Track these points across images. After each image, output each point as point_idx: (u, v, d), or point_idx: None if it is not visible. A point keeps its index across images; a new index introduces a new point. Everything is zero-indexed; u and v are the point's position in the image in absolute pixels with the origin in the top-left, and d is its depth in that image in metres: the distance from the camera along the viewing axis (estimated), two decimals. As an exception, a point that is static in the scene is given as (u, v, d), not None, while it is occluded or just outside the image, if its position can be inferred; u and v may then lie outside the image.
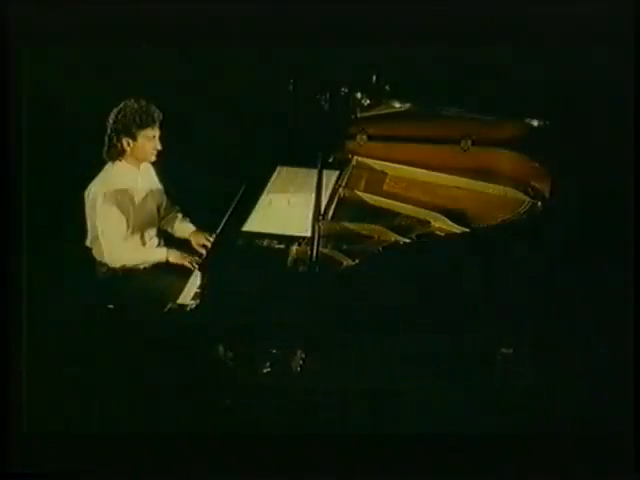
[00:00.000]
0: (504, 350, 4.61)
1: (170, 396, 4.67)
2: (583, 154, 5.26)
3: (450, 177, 5.12)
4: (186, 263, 5.07)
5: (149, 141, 5.04)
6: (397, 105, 5.18)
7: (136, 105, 4.99)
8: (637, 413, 4.54)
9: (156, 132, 5.04)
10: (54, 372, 4.81)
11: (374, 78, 5.20)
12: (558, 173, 4.81)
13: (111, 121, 5.01)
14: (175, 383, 4.58)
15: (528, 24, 4.74)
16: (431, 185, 5.15)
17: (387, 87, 5.19)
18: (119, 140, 5.02)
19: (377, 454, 4.45)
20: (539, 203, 4.83)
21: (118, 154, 5.05)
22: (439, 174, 5.15)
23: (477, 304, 4.51)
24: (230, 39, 4.57)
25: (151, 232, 5.22)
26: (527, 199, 4.88)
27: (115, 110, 4.99)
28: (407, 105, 5.20)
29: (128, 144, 5.03)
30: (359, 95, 5.16)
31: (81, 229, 5.13)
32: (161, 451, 4.63)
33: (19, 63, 4.65)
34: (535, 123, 5.02)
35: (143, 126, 4.99)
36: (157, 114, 5.01)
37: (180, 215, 5.38)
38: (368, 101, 5.19)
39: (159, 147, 5.08)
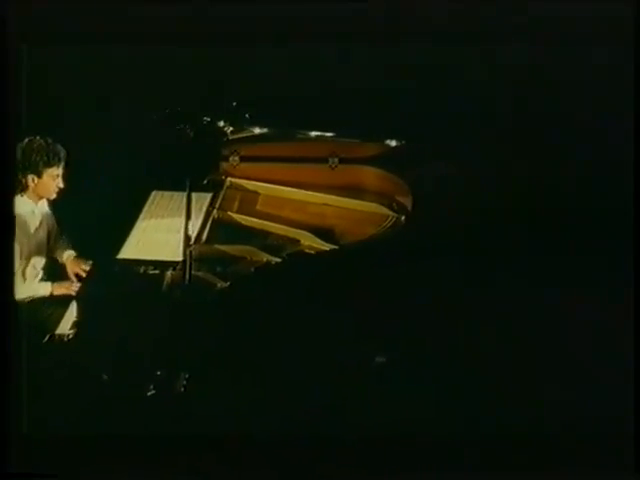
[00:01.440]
0: (378, 359, 4.68)
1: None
2: (583, 155, 5.28)
3: (319, 195, 5.26)
4: (72, 292, 5.08)
5: (53, 179, 5.06)
6: (257, 131, 5.30)
7: (43, 143, 4.99)
8: (637, 413, 4.55)
9: (60, 171, 5.07)
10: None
11: (234, 104, 5.33)
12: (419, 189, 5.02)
13: (18, 156, 4.97)
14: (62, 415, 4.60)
15: (527, 24, 4.75)
16: (302, 203, 5.27)
17: (247, 115, 5.30)
18: (24, 176, 5.01)
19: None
20: (403, 217, 4.99)
21: (21, 189, 5.04)
22: (309, 192, 5.28)
23: (348, 318, 4.62)
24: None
25: (40, 262, 5.20)
26: (391, 214, 5.03)
27: (21, 146, 4.97)
28: (266, 130, 5.33)
29: (33, 180, 5.03)
30: (222, 123, 5.26)
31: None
32: (160, 452, 4.63)
33: (19, 63, 4.65)
34: (393, 143, 5.19)
35: (49, 164, 5.01)
36: (63, 153, 5.04)
37: (66, 243, 5.39)
38: (231, 128, 5.29)
39: (61, 185, 5.09)
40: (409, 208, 5.02)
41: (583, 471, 4.55)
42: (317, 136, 5.28)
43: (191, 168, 4.86)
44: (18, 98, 4.69)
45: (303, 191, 5.26)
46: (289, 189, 5.30)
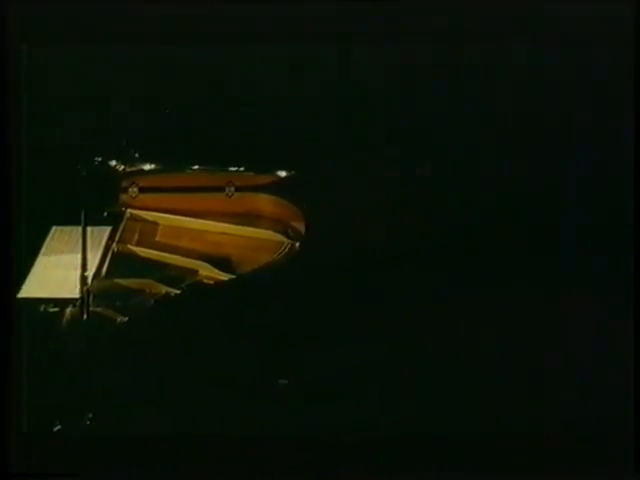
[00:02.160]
0: (281, 381, 4.73)
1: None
2: (581, 155, 5.28)
3: (217, 224, 5.33)
4: None
5: None
6: (147, 167, 5.35)
7: None
8: (637, 413, 4.54)
9: None
10: None
11: (124, 142, 5.39)
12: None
13: None
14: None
15: (527, 24, 4.75)
16: (200, 232, 5.33)
17: (136, 154, 5.37)
18: None
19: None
20: (297, 243, 5.08)
21: None
22: (207, 221, 5.34)
23: (248, 344, 4.71)
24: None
25: None
26: (286, 240, 5.12)
27: None
28: (154, 166, 5.39)
29: None
30: (113, 163, 5.33)
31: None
32: (160, 452, 4.63)
33: (19, 63, 4.65)
34: (283, 174, 5.30)
35: None
36: None
37: None
38: (122, 167, 5.35)
39: None
40: (303, 233, 5.14)
41: (583, 471, 4.55)
42: (211, 169, 5.39)
43: (88, 202, 4.92)
44: (18, 98, 4.69)
45: (201, 220, 5.32)
46: (187, 219, 5.35)
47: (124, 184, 5.40)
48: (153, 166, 5.34)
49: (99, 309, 4.74)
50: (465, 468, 4.59)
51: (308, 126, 5.35)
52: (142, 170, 5.39)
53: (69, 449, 4.61)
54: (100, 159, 5.25)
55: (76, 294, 4.79)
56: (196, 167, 5.35)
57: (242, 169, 5.32)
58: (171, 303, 4.84)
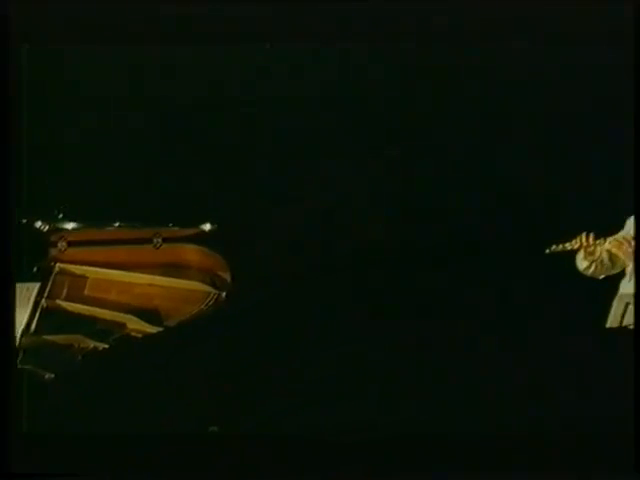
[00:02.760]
0: (212, 428, 4.75)
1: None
2: (583, 154, 5.29)
3: (145, 276, 5.31)
4: None
5: None
6: (70, 227, 5.35)
7: None
8: (637, 413, 4.55)
9: None
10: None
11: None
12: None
13: None
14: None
15: (527, 24, 4.75)
16: (128, 285, 5.30)
17: (60, 215, 5.36)
18: None
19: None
20: (224, 293, 5.10)
21: None
22: (134, 274, 5.31)
23: (178, 396, 4.74)
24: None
25: None
26: (213, 290, 5.13)
27: None
28: (75, 224, 5.39)
29: None
30: (39, 224, 5.31)
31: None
32: (160, 452, 4.64)
33: (19, 63, 4.65)
34: (207, 227, 5.32)
35: None
36: None
37: None
38: (47, 227, 5.34)
39: None
40: (229, 283, 5.18)
41: (583, 471, 4.55)
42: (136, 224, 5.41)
43: (17, 259, 4.90)
44: (18, 98, 4.69)
45: (129, 273, 5.31)
46: (115, 271, 5.32)
47: (53, 238, 5.38)
48: (75, 225, 5.32)
49: (27, 366, 4.74)
50: (464, 468, 4.59)
51: (229, 179, 5.49)
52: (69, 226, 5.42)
53: (69, 449, 4.61)
54: (25, 221, 5.24)
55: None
56: (120, 224, 5.35)
57: (169, 224, 5.34)
58: (99, 358, 4.88)
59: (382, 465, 4.61)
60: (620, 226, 4.79)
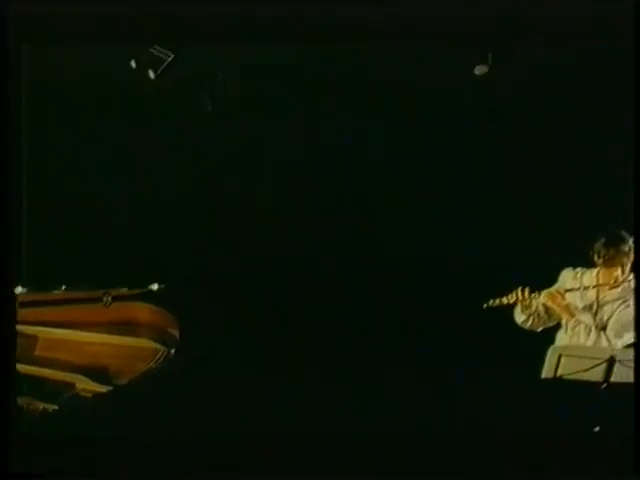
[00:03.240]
0: None
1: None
2: (583, 154, 5.29)
3: (94, 335, 5.30)
4: None
5: None
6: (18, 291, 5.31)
7: None
8: (637, 413, 4.54)
9: None
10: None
11: None
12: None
13: None
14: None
15: (528, 24, 4.75)
16: (78, 344, 5.29)
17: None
18: None
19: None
20: (172, 350, 5.11)
21: None
22: (85, 333, 5.30)
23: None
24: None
25: None
26: (162, 348, 5.13)
27: None
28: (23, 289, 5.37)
29: None
30: None
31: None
32: (159, 452, 4.64)
33: (19, 63, 4.65)
34: (155, 287, 5.32)
35: None
36: None
37: None
38: None
39: None
40: (178, 340, 5.19)
41: (583, 471, 4.55)
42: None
43: None
44: (18, 98, 4.69)
45: (80, 332, 5.29)
46: (66, 331, 5.30)
47: None
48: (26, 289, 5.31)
49: None
50: (464, 468, 4.59)
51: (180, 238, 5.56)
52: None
53: (69, 449, 4.62)
54: None
55: None
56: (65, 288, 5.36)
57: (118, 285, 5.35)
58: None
59: (381, 465, 4.62)
60: (555, 279, 4.91)
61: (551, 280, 4.90)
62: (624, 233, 4.74)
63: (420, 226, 5.49)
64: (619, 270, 4.75)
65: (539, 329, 4.92)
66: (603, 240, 4.75)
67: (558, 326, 4.92)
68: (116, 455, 4.64)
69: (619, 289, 4.79)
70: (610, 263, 4.73)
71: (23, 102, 4.74)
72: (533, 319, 4.89)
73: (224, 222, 5.58)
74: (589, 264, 4.84)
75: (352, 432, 4.83)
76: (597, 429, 4.50)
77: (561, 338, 4.89)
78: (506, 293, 4.84)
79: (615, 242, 4.73)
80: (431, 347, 5.16)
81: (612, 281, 4.78)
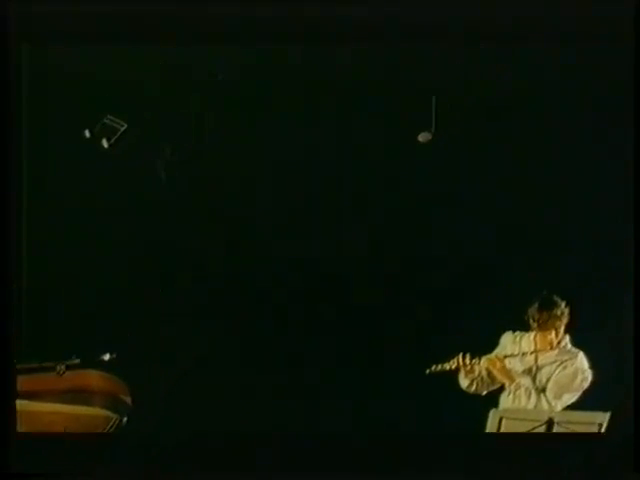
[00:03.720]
0: None
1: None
2: (583, 154, 5.29)
3: (48, 404, 5.26)
4: None
5: None
6: None
7: None
8: (637, 413, 4.54)
9: None
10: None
11: None
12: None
13: None
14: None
15: (528, 24, 4.76)
16: (34, 414, 5.22)
17: None
18: None
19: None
20: (125, 418, 5.09)
21: None
22: (39, 403, 5.26)
23: None
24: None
25: None
26: (114, 416, 5.12)
27: None
28: None
29: None
30: None
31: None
32: (159, 452, 4.64)
33: (19, 63, 4.66)
34: (107, 357, 5.28)
35: None
36: None
37: None
38: None
39: None
40: (130, 406, 5.19)
41: (584, 471, 4.55)
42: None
43: None
44: (18, 98, 4.69)
45: (33, 402, 5.23)
46: (22, 402, 5.19)
47: None
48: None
49: None
50: (464, 468, 4.59)
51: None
52: None
53: (69, 449, 4.62)
54: None
55: None
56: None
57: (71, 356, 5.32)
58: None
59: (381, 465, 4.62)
60: (495, 343, 4.99)
61: (492, 345, 5.02)
62: (556, 298, 4.90)
63: (421, 226, 5.48)
64: (553, 334, 4.91)
65: (484, 393, 5.02)
66: (536, 305, 4.89)
67: (502, 389, 5.01)
68: (116, 455, 4.64)
69: (555, 352, 4.92)
70: (544, 327, 4.89)
71: (23, 102, 4.74)
72: (477, 383, 5.01)
73: (224, 222, 5.57)
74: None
75: (352, 432, 4.83)
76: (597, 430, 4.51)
77: (504, 401, 5.00)
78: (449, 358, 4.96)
79: (548, 306, 4.89)
80: (431, 347, 5.14)
81: (547, 345, 4.92)
